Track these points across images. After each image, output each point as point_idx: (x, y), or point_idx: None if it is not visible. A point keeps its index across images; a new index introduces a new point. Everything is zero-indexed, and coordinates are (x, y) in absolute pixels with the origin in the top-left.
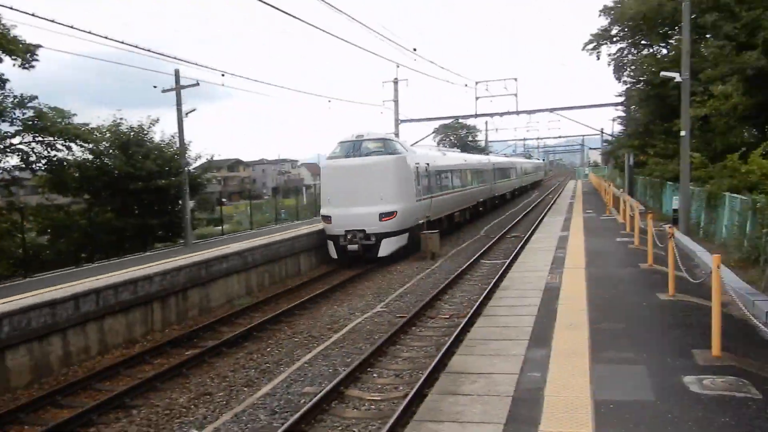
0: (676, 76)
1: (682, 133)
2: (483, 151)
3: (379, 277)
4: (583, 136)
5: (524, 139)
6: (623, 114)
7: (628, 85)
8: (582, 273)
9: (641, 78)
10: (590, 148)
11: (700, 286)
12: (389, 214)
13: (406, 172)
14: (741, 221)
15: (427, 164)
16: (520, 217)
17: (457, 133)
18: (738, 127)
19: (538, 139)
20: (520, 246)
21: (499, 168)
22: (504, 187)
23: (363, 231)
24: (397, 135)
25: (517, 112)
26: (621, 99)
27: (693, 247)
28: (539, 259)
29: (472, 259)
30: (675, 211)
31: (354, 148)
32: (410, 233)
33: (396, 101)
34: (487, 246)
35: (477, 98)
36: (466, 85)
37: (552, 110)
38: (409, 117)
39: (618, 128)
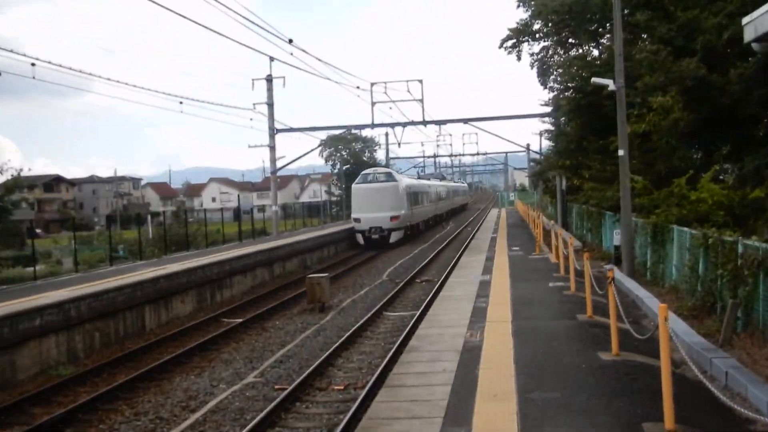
0: (610, 84)
1: (620, 152)
2: (386, 168)
3: (252, 335)
4: (507, 152)
5: (435, 156)
6: (551, 127)
7: (556, 92)
8: (508, 328)
9: (570, 84)
10: (515, 168)
11: (648, 342)
12: (396, 217)
13: (402, 192)
14: (693, 260)
15: (409, 186)
16: (431, 255)
17: (350, 147)
18: (681, 148)
19: (451, 156)
20: (432, 294)
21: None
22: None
23: (380, 227)
24: (272, 147)
25: (424, 123)
26: (548, 109)
27: (639, 293)
28: (456, 311)
29: (372, 311)
30: (617, 248)
31: (372, 178)
32: (405, 230)
33: (270, 104)
34: (392, 294)
35: (373, 103)
36: (358, 87)
37: (467, 121)
38: (289, 126)
39: (547, 144)
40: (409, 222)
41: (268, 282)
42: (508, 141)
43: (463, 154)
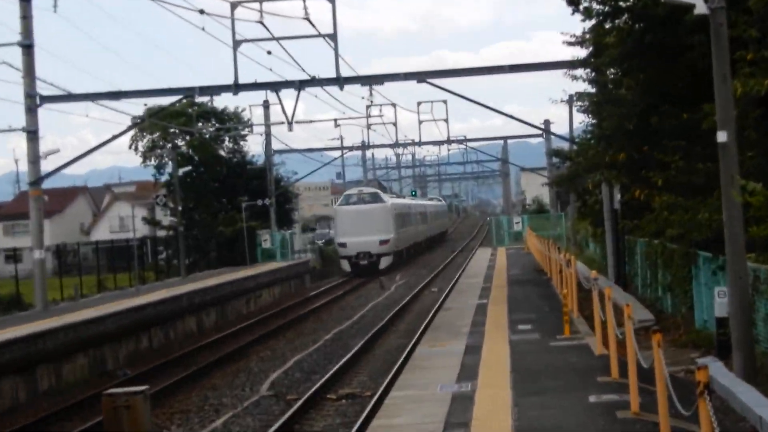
0: (697, 2)
1: (721, 136)
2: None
3: None
4: (505, 138)
5: (365, 146)
6: (589, 87)
7: (596, 18)
8: None
9: (623, 2)
10: (523, 169)
11: None
12: (385, 241)
13: (391, 213)
14: None
15: (396, 207)
16: (358, 344)
17: (192, 132)
18: None
19: (399, 147)
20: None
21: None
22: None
23: (368, 252)
24: (33, 132)
25: (339, 81)
26: (583, 53)
27: (761, 412)
28: None
29: None
30: (721, 323)
31: (357, 198)
32: (394, 255)
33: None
34: None
35: (238, 43)
36: (203, 13)
37: (422, 78)
38: (69, 91)
39: (581, 122)
40: (396, 247)
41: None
42: (508, 116)
43: (421, 143)
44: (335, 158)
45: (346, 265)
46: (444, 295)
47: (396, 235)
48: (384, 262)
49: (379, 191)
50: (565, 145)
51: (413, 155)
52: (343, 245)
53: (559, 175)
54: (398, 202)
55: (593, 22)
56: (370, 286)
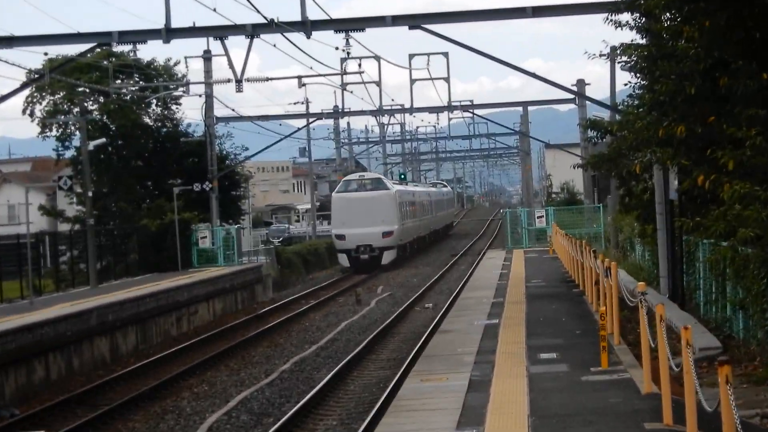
0: None
1: None
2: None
3: None
4: (525, 103)
5: (338, 111)
6: (636, 37)
7: None
8: None
9: None
10: (548, 146)
11: None
12: (389, 233)
13: (396, 202)
14: None
15: (401, 194)
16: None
17: (108, 92)
18: None
19: (383, 115)
20: None
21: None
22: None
23: (370, 245)
24: None
25: (306, 27)
26: None
27: None
28: None
29: None
30: None
31: (358, 185)
32: (398, 249)
33: None
34: None
35: None
36: None
37: (416, 23)
38: None
39: (625, 83)
40: (400, 240)
41: None
42: (529, 74)
43: (413, 110)
44: (298, 129)
45: (344, 260)
46: (441, 313)
47: (401, 227)
48: (387, 257)
49: (382, 177)
50: (604, 114)
51: (402, 126)
52: (341, 237)
53: (597, 154)
54: (403, 189)
55: None
56: (342, 300)
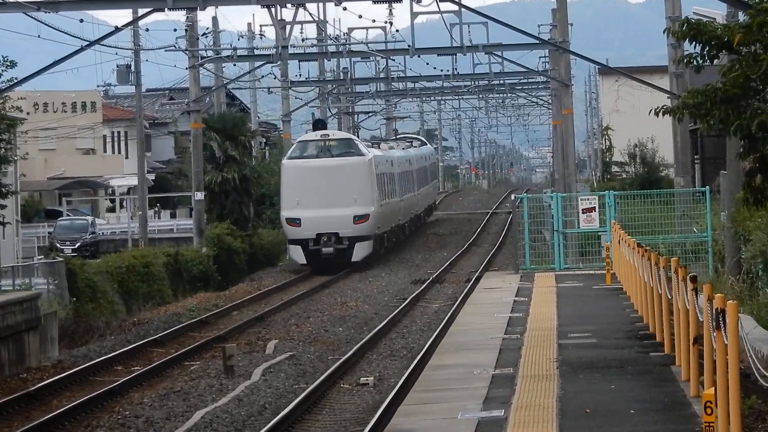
0: None
1: None
2: None
3: None
4: None
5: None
6: None
7: None
8: None
9: None
10: (604, 71)
11: None
12: (362, 217)
13: (372, 172)
14: None
15: (379, 162)
16: None
17: None
18: None
19: None
20: None
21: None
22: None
23: (336, 233)
24: None
25: None
26: None
27: None
28: None
29: None
30: None
31: (318, 148)
32: (374, 241)
33: None
34: None
35: None
36: None
37: None
38: None
39: None
40: (378, 228)
41: None
42: None
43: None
44: (117, 29)
45: (298, 255)
46: (391, 397)
47: (379, 209)
48: (359, 252)
49: (353, 137)
50: (717, 10)
51: (320, 25)
52: (293, 222)
53: (702, 89)
54: (381, 154)
55: None
56: (198, 367)
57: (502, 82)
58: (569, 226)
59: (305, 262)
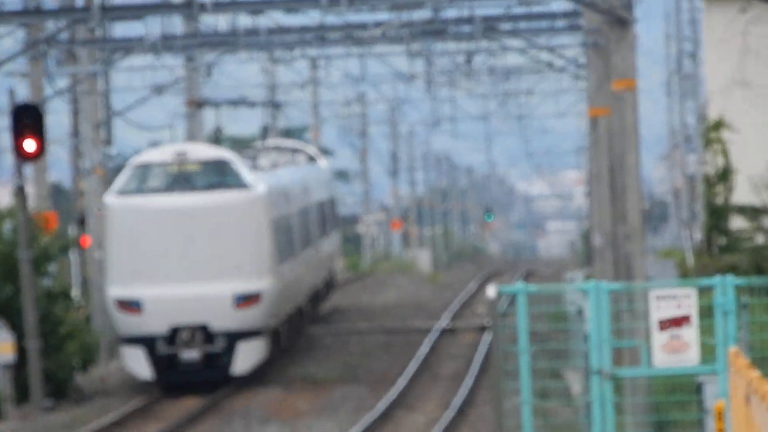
0: None
1: None
2: None
3: None
4: None
5: None
6: None
7: None
8: None
9: None
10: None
11: None
12: (251, 298)
13: (268, 215)
14: None
15: (274, 197)
16: None
17: None
18: None
19: None
20: None
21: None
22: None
23: (203, 327)
24: None
25: None
26: None
27: None
28: None
29: None
30: None
31: (173, 176)
32: (268, 337)
33: None
34: None
35: None
36: None
37: None
38: None
39: None
40: (275, 313)
41: None
42: None
43: None
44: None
45: (138, 363)
46: None
47: (277, 281)
48: (246, 357)
49: (230, 156)
50: None
51: None
52: (130, 306)
53: None
54: (277, 183)
55: None
56: None
57: (469, 14)
58: (628, 361)
59: (150, 375)
